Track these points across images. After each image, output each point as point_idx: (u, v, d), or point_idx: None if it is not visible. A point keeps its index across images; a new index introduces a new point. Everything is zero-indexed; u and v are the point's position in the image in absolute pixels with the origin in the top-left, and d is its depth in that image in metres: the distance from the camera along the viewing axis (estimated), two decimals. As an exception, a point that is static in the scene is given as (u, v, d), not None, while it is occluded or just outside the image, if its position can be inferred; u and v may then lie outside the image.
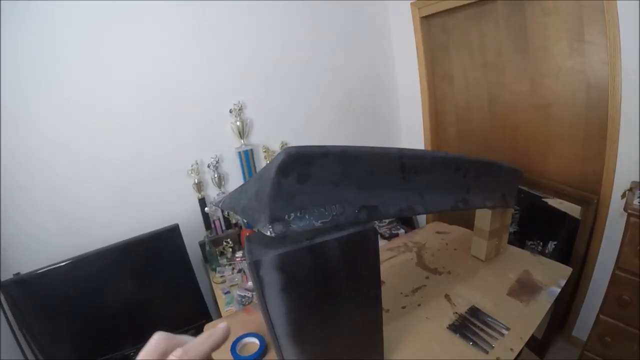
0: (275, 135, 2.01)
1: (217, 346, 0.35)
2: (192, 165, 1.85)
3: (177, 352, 0.33)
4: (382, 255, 1.45)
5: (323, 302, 0.81)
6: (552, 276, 1.22)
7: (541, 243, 1.80)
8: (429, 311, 1.12)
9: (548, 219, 1.75)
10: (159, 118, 1.76)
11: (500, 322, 1.06)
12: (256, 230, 0.75)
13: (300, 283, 0.78)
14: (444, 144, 2.23)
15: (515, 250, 1.39)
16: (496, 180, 1.15)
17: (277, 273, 0.75)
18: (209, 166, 1.88)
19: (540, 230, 1.81)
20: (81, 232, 1.71)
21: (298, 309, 0.80)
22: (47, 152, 1.64)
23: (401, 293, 1.24)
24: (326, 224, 0.74)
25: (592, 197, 1.60)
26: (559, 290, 1.17)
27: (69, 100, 1.59)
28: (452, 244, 1.47)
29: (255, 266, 0.73)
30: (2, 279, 1.61)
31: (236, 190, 0.88)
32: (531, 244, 1.84)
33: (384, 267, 1.39)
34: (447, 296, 1.18)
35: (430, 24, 2.09)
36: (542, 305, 1.12)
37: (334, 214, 0.75)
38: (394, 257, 1.45)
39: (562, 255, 1.71)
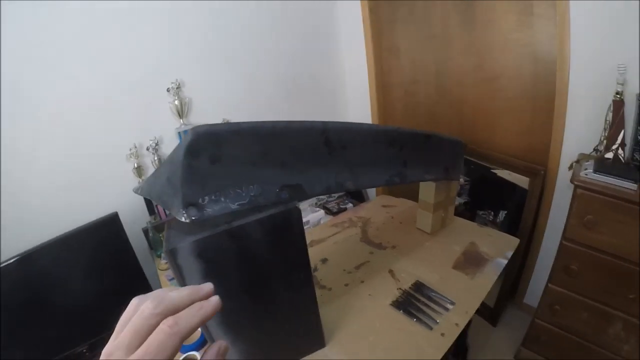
0: (216, 113, 1.92)
1: (207, 320, 0.34)
2: (130, 150, 1.75)
3: (169, 321, 0.31)
4: (326, 232, 1.44)
5: (251, 287, 0.78)
6: (499, 248, 1.23)
7: (492, 213, 1.83)
8: (373, 288, 1.12)
9: (498, 190, 1.78)
10: (92, 104, 1.63)
11: (445, 297, 1.06)
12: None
13: (223, 269, 0.74)
14: (391, 119, 2.21)
15: (462, 222, 1.40)
16: (437, 153, 1.13)
17: (196, 260, 0.71)
18: (147, 149, 1.78)
19: (491, 200, 1.84)
20: (21, 229, 1.59)
21: (224, 296, 0.76)
22: None
23: (344, 270, 1.22)
24: (244, 206, 0.70)
25: (539, 168, 1.63)
26: (505, 261, 1.18)
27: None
28: (398, 218, 1.47)
29: (172, 254, 0.69)
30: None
31: (152, 175, 0.83)
32: (482, 214, 1.87)
33: (327, 244, 1.38)
34: (391, 271, 1.17)
35: (377, -1, 2.06)
36: (489, 277, 1.12)
37: (252, 194, 0.70)
38: (338, 233, 1.43)
39: (512, 226, 1.75)
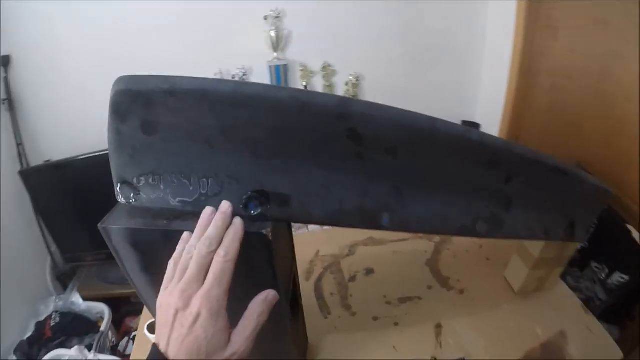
0: (317, 55, 1.64)
1: (242, 238, 0.40)
2: (215, 74, 1.61)
3: (221, 253, 0.38)
4: (392, 234, 1.11)
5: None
6: (593, 354, 0.79)
7: (607, 271, 1.30)
8: (403, 340, 0.80)
9: (625, 250, 1.22)
10: (184, 19, 1.53)
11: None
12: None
13: (162, 269, 0.54)
14: (529, 114, 1.61)
15: (565, 291, 0.94)
16: (566, 200, 0.70)
17: (132, 249, 0.51)
18: (233, 77, 1.62)
19: (610, 256, 1.29)
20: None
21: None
22: (77, 51, 1.58)
23: (384, 297, 0.92)
24: (186, 206, 0.46)
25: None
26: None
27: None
28: (488, 250, 1.06)
29: (106, 233, 0.50)
30: (33, 165, 1.66)
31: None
32: (595, 267, 1.35)
33: (384, 250, 1.07)
34: (438, 327, 0.83)
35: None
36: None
37: (203, 192, 0.45)
38: (404, 241, 1.10)
39: (627, 299, 1.20)
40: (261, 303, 0.41)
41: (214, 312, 0.35)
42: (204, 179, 0.45)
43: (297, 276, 0.67)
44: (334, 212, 0.47)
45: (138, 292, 0.59)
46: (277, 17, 1.52)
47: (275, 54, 1.59)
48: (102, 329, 1.57)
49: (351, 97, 1.68)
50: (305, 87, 1.66)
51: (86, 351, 1.42)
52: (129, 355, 0.90)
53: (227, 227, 0.40)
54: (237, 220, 0.41)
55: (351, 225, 0.48)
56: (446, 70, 1.76)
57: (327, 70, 1.65)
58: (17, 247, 1.65)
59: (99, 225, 0.50)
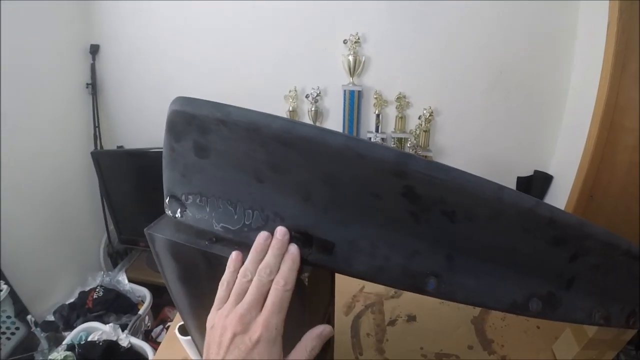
0: (393, 84, 1.61)
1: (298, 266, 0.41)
2: (290, 91, 1.65)
3: (280, 282, 0.38)
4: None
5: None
6: None
7: None
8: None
9: None
10: (266, 30, 1.59)
11: None
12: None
13: (197, 283, 0.54)
14: (607, 173, 1.45)
15: None
16: (633, 284, 0.61)
17: (171, 259, 0.52)
18: (307, 96, 1.64)
19: None
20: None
21: (201, 307, 0.58)
22: (153, 49, 1.72)
23: (421, 349, 0.87)
24: (227, 233, 0.46)
25: None
26: None
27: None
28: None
29: (150, 238, 0.51)
30: (106, 148, 1.79)
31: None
32: None
33: (432, 298, 1.01)
34: (470, 394, 0.77)
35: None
36: None
37: (247, 222, 0.45)
38: (451, 292, 1.04)
39: None
40: (315, 338, 0.40)
41: (271, 339, 0.36)
42: (249, 210, 0.44)
43: (333, 316, 0.65)
44: (377, 268, 0.45)
45: (172, 296, 0.60)
46: (356, 42, 1.52)
47: (351, 79, 1.59)
48: (140, 312, 1.64)
49: (423, 130, 1.64)
50: (378, 115, 1.64)
51: (119, 330, 1.48)
52: (160, 343, 0.93)
53: (283, 254, 0.40)
54: (294, 248, 0.41)
55: (392, 285, 0.45)
56: (525, 114, 1.64)
57: (402, 101, 1.61)
58: (79, 218, 1.78)
59: (145, 230, 0.51)
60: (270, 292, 0.38)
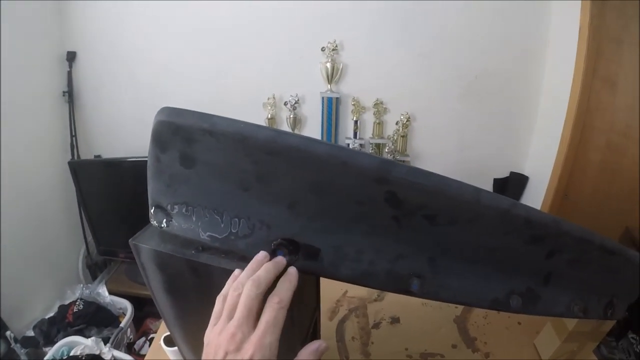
0: (370, 90, 1.64)
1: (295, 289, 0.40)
2: (268, 98, 1.65)
3: (275, 299, 0.38)
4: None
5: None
6: None
7: None
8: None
9: None
10: (244, 36, 1.60)
11: None
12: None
13: (184, 293, 0.54)
14: (580, 172, 1.51)
15: None
16: (609, 278, 0.64)
17: (157, 269, 0.52)
18: (285, 104, 1.66)
19: None
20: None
21: (188, 317, 0.58)
22: (132, 55, 1.69)
23: (406, 349, 0.89)
24: (214, 242, 0.46)
25: None
26: None
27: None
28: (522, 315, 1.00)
29: (135, 249, 0.51)
30: (83, 157, 1.76)
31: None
32: (631, 338, 1.27)
33: (415, 300, 1.02)
34: (455, 392, 0.79)
35: (605, 5, 1.35)
36: None
37: (233, 231, 0.45)
38: (436, 294, 1.06)
39: None
40: (312, 353, 0.40)
41: (266, 359, 0.35)
42: (236, 219, 0.45)
43: (319, 321, 0.65)
44: (363, 272, 0.46)
45: (158, 307, 0.60)
46: (334, 50, 1.55)
47: (329, 86, 1.62)
48: (122, 324, 1.61)
49: (401, 136, 1.67)
50: (356, 122, 1.67)
51: (102, 344, 1.45)
52: (144, 356, 0.92)
53: (277, 274, 0.40)
54: (293, 270, 0.41)
55: (378, 287, 0.47)
56: (500, 117, 1.69)
57: (379, 107, 1.64)
58: (56, 230, 1.74)
59: (130, 240, 0.52)
60: (265, 309, 0.37)
